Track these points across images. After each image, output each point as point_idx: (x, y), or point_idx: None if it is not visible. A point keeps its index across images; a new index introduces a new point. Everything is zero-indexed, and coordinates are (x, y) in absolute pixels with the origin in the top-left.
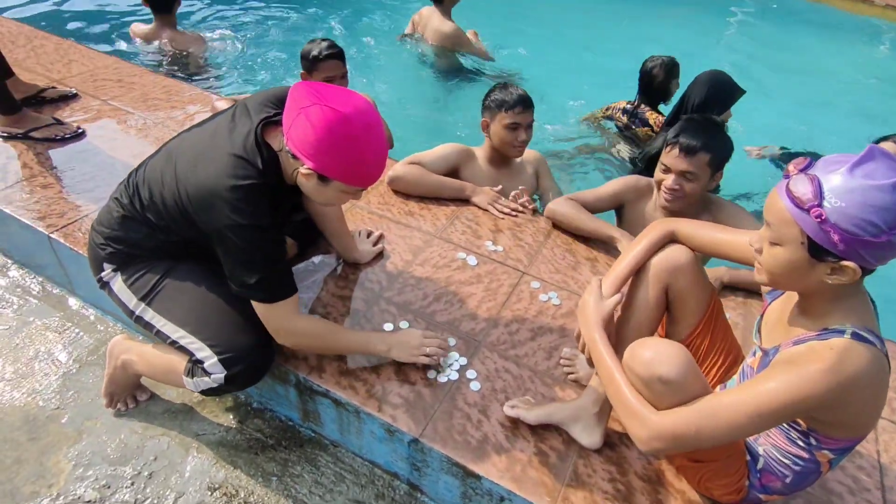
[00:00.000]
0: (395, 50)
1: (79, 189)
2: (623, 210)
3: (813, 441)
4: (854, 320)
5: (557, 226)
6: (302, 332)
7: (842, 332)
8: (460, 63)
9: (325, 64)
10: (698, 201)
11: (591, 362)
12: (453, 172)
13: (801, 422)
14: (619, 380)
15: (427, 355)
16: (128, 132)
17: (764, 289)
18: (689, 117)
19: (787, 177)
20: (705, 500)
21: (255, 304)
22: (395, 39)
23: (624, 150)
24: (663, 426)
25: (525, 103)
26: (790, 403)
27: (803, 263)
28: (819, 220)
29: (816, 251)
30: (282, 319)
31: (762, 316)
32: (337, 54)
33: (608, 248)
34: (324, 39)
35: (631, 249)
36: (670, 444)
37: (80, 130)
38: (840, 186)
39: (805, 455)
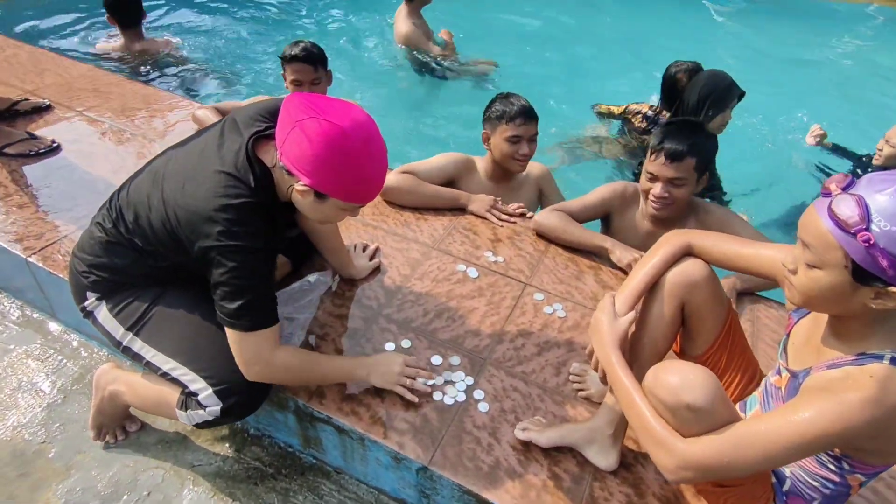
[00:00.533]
0: (372, 48)
1: (57, 208)
2: (610, 218)
3: (846, 466)
4: (893, 345)
5: (546, 237)
6: (280, 365)
7: (880, 358)
8: (425, 60)
9: (292, 66)
10: (685, 206)
11: (604, 380)
12: (450, 184)
13: (835, 448)
14: (640, 405)
15: (406, 386)
16: (106, 145)
17: (790, 305)
18: (669, 121)
19: (827, 195)
20: None
21: (229, 331)
22: (370, 40)
23: (615, 151)
24: (693, 456)
25: (527, 115)
26: (828, 434)
27: (846, 288)
28: (867, 244)
29: (861, 276)
30: (260, 350)
31: (788, 335)
32: (305, 58)
33: None
34: (300, 42)
35: (644, 263)
36: (700, 474)
37: (55, 145)
38: (889, 208)
39: (836, 479)
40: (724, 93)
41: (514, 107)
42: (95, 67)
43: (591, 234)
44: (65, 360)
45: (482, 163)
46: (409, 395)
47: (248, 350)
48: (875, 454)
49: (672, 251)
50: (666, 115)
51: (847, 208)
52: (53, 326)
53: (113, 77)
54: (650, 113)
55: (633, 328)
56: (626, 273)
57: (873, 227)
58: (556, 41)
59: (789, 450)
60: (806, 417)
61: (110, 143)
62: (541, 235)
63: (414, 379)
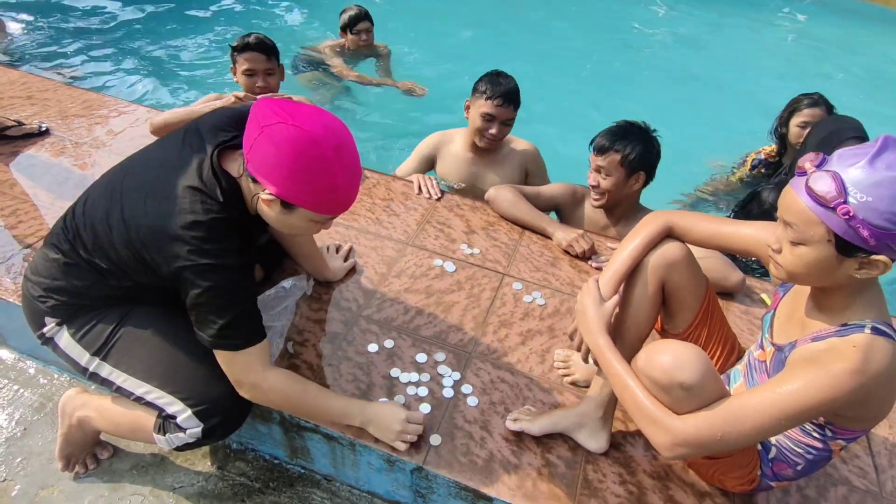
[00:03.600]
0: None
1: None
2: (562, 214)
3: (828, 433)
4: (873, 315)
5: (496, 210)
6: (270, 387)
7: (862, 328)
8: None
9: (244, 55)
10: (629, 208)
11: (586, 359)
12: (431, 163)
13: (821, 417)
14: (633, 387)
15: (405, 441)
16: (48, 156)
17: (775, 281)
18: (621, 122)
19: (802, 173)
20: (715, 491)
21: (217, 352)
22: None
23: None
24: (687, 432)
25: (507, 97)
26: (817, 404)
27: (831, 261)
28: (847, 217)
29: (845, 248)
30: (248, 370)
31: (774, 310)
32: (258, 46)
33: None
34: (252, 33)
35: (625, 246)
36: (695, 449)
37: (44, 128)
38: (864, 180)
39: (819, 445)
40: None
41: (498, 87)
42: (28, 73)
43: (538, 215)
44: (21, 390)
45: (463, 134)
46: (401, 448)
47: (236, 370)
48: (856, 420)
49: (653, 232)
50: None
51: (824, 184)
52: (5, 354)
53: (48, 83)
54: (766, 159)
55: (616, 310)
56: (569, 253)
57: (851, 199)
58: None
59: (780, 421)
60: (795, 389)
61: (52, 155)
62: (492, 208)
63: (413, 435)
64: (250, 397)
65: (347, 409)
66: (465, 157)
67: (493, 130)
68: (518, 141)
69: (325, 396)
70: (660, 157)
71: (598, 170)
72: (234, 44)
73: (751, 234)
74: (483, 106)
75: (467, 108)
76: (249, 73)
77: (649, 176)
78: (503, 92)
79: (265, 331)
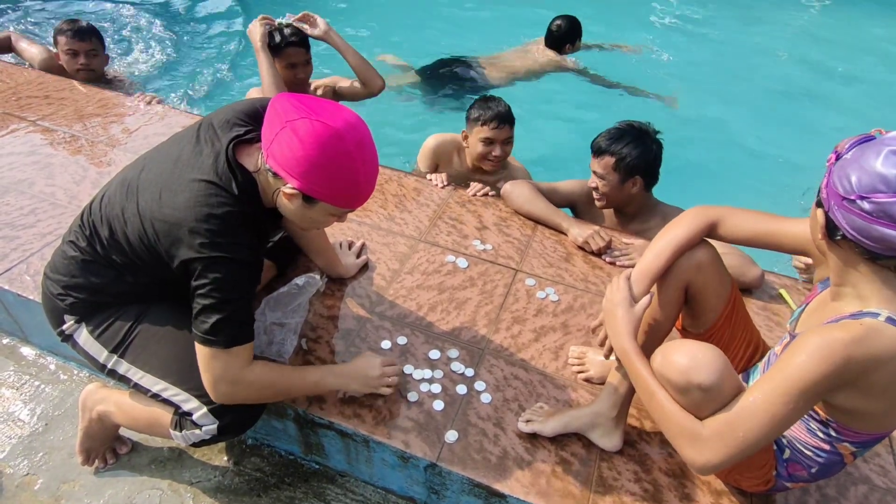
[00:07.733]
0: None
1: (18, 225)
2: (577, 210)
3: (832, 433)
4: (893, 309)
5: (511, 206)
6: (249, 383)
7: (876, 315)
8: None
9: (287, 51)
10: (640, 207)
11: (608, 356)
12: (436, 166)
13: (819, 411)
14: (661, 398)
15: (388, 385)
16: (65, 155)
17: (818, 278)
18: (620, 123)
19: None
20: (731, 489)
21: (200, 347)
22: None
23: None
24: (712, 439)
25: (501, 119)
26: (818, 378)
27: (838, 255)
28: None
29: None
30: (230, 368)
31: (807, 304)
32: (299, 42)
33: None
34: (282, 27)
35: (663, 239)
36: (724, 459)
37: None
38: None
39: (826, 447)
40: None
41: (490, 111)
42: (44, 73)
43: (554, 211)
44: (43, 386)
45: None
46: (386, 392)
47: (218, 368)
48: (857, 417)
49: (696, 229)
50: None
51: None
52: (26, 351)
53: (64, 82)
54: None
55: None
56: (585, 250)
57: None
58: None
59: (787, 402)
60: (797, 363)
61: (69, 153)
62: (508, 204)
63: (396, 376)
64: (225, 398)
65: (322, 377)
66: (463, 169)
67: (496, 152)
68: (511, 161)
69: (297, 375)
70: (660, 160)
71: (595, 173)
72: (276, 40)
73: (803, 231)
74: (480, 132)
75: (465, 137)
76: (292, 66)
77: (649, 178)
78: (495, 114)
79: (254, 333)
